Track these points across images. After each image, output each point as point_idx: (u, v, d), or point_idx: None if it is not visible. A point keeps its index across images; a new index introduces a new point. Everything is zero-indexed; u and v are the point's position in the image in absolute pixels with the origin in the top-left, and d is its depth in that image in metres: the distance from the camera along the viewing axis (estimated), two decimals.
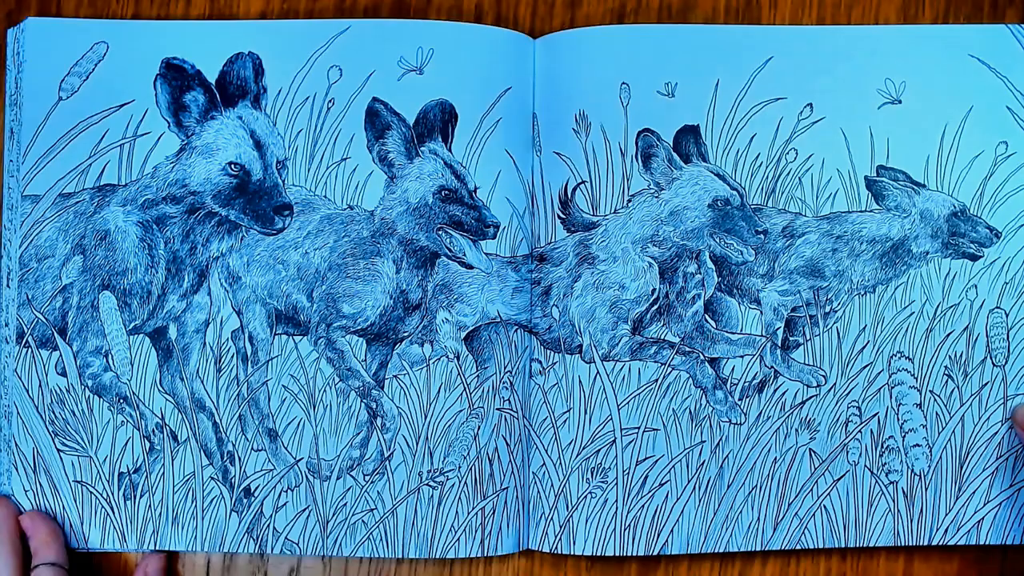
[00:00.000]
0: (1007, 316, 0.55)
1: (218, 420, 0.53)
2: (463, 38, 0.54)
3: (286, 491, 0.53)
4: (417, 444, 0.53)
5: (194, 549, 0.53)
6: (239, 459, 0.53)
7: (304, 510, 0.53)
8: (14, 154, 0.53)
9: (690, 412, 0.54)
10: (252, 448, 0.53)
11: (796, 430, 0.55)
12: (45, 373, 0.53)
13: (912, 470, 0.55)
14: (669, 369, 0.55)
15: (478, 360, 0.54)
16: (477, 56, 0.54)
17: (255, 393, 0.53)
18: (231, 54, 0.53)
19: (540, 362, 0.54)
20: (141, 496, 0.53)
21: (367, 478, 0.53)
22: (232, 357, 0.54)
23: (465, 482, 0.53)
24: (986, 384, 0.55)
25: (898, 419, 0.55)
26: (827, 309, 0.56)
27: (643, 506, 0.54)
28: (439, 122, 0.54)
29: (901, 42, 0.55)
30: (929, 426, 0.55)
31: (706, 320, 0.55)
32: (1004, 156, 0.55)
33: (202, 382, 0.53)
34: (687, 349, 0.55)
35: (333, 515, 0.53)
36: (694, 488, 0.54)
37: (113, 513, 0.53)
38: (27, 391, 0.53)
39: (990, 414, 0.55)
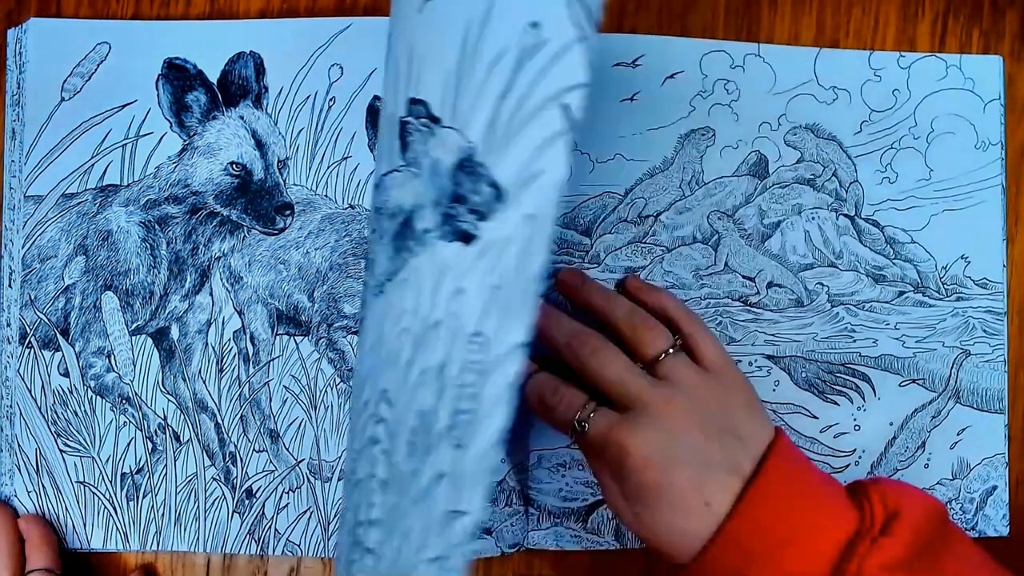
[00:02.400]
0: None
1: (220, 421, 0.53)
2: None
3: (288, 492, 0.53)
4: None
5: (196, 550, 0.53)
6: (241, 460, 0.53)
7: (306, 511, 0.53)
8: (16, 155, 0.53)
9: None
10: (254, 449, 0.53)
11: None
12: (48, 374, 0.53)
13: None
14: None
15: None
16: None
17: (256, 394, 0.53)
18: (232, 54, 0.53)
19: None
20: (143, 497, 0.53)
21: None
22: (234, 357, 0.53)
23: None
24: None
25: None
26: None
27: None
28: None
29: None
30: None
31: None
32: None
33: (204, 383, 0.53)
34: None
35: (335, 516, 0.53)
36: None
37: (116, 514, 0.53)
38: (30, 392, 0.53)
39: None
